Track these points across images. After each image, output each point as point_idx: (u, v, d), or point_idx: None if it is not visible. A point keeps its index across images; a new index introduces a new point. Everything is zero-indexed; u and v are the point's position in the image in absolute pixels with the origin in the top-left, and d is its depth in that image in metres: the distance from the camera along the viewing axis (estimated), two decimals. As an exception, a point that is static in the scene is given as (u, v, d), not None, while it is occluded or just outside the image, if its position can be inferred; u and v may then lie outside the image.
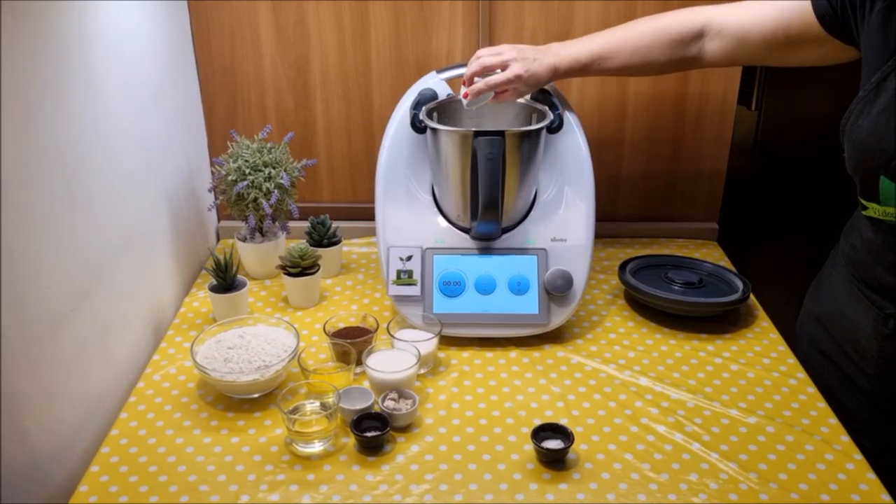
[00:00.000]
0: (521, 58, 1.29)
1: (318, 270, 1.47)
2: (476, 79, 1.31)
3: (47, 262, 1.03)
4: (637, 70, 1.32)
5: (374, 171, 1.43)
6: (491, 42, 1.60)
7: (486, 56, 1.31)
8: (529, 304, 1.35)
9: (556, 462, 1.09)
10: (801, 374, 1.29)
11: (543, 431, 1.11)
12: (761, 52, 1.23)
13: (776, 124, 1.79)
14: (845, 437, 1.14)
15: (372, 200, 1.43)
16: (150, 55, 1.39)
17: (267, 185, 1.47)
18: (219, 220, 1.77)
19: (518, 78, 1.28)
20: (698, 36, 1.26)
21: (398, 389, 1.19)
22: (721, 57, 1.26)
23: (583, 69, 1.31)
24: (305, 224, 1.57)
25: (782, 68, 1.73)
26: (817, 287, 1.35)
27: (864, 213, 1.14)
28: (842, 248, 1.27)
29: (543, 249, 1.37)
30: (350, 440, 1.13)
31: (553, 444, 1.10)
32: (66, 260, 1.08)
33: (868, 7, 1.07)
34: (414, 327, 1.34)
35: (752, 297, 1.49)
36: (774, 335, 1.39)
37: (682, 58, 1.28)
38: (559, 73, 1.31)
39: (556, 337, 1.38)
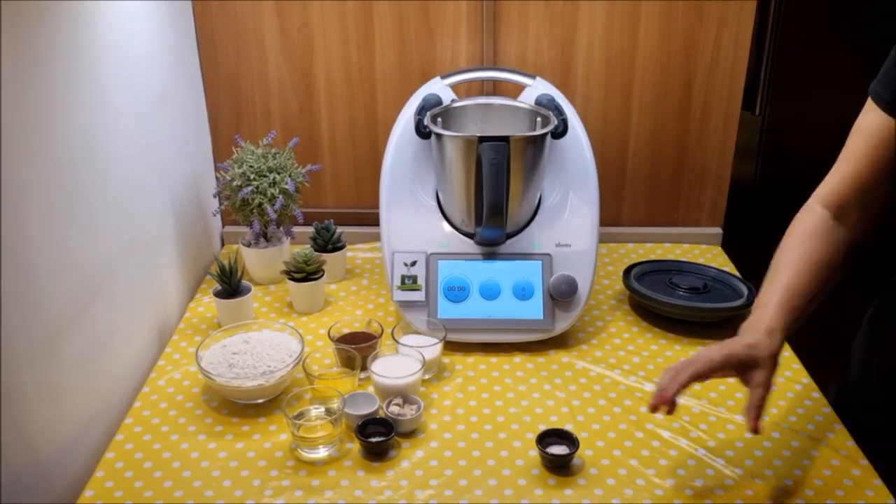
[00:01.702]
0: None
1: (322, 276, 1.47)
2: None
3: (52, 266, 1.03)
4: (820, 284, 1.07)
5: (379, 176, 1.43)
6: (495, 44, 1.60)
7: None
8: (534, 309, 1.35)
9: (561, 468, 1.09)
10: (807, 380, 1.28)
11: (548, 437, 1.11)
12: (888, 185, 1.05)
13: (781, 129, 1.79)
14: (850, 443, 1.14)
15: (376, 205, 1.43)
16: (155, 58, 1.39)
17: (271, 190, 1.47)
18: (223, 226, 1.77)
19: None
20: (833, 217, 1.09)
21: (403, 395, 1.19)
22: (861, 215, 1.08)
23: (788, 311, 1.05)
24: (310, 229, 1.58)
25: (787, 73, 1.74)
26: (875, 330, 1.22)
27: None
28: None
29: (548, 255, 1.37)
30: (355, 445, 1.13)
31: (558, 449, 1.09)
32: (71, 264, 1.08)
33: None
34: (418, 332, 1.34)
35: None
36: (779, 340, 1.39)
37: (839, 246, 1.09)
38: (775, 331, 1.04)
39: (560, 342, 1.38)
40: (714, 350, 1.01)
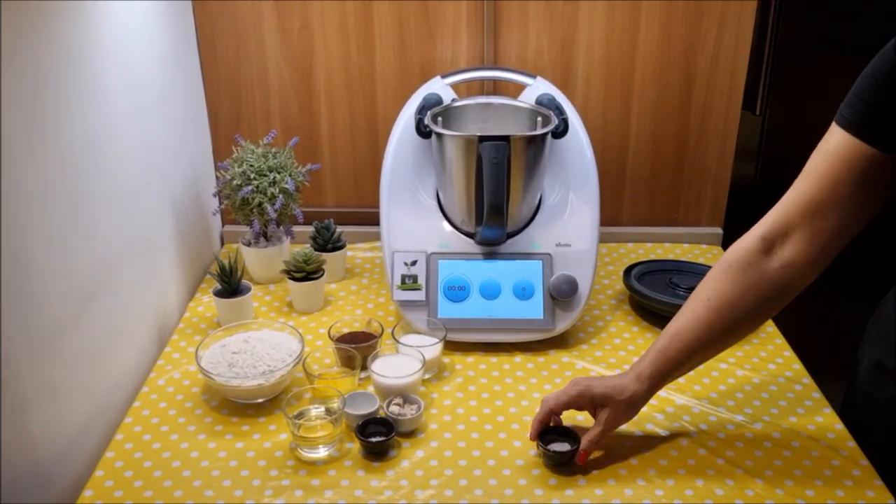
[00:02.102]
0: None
1: (322, 275, 1.47)
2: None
3: (52, 266, 1.03)
4: (724, 327, 1.06)
5: (379, 175, 1.43)
6: (495, 44, 1.60)
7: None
8: (534, 309, 1.35)
9: (561, 465, 1.09)
10: (807, 380, 1.28)
11: (549, 434, 1.11)
12: (843, 212, 0.98)
13: (781, 129, 1.79)
14: (851, 443, 1.14)
15: (376, 205, 1.43)
16: (155, 58, 1.39)
17: (272, 189, 1.47)
18: (223, 225, 1.77)
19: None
20: (763, 251, 1.03)
21: (403, 394, 1.19)
22: (810, 248, 1.00)
23: (666, 360, 1.09)
24: (310, 229, 1.58)
25: (787, 73, 1.73)
26: (881, 332, 1.19)
27: None
28: None
29: (548, 254, 1.37)
30: (355, 445, 1.13)
31: (559, 447, 1.09)
32: (71, 264, 1.08)
33: None
34: (419, 332, 1.33)
35: (757, 302, 1.48)
36: (780, 340, 1.39)
37: (760, 284, 1.03)
38: (643, 377, 1.09)
39: (560, 342, 1.38)
40: (570, 388, 1.11)
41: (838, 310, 1.78)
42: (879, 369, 1.17)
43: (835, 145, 0.98)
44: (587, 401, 1.10)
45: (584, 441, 1.08)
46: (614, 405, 1.08)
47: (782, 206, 1.03)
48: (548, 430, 1.12)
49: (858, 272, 1.67)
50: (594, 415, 1.11)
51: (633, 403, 1.09)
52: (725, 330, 1.06)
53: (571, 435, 1.10)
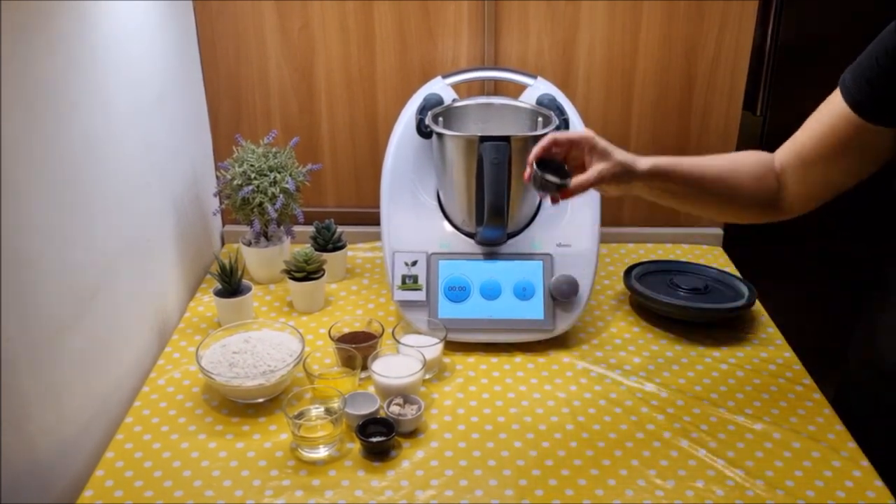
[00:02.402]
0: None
1: (323, 275, 1.47)
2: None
3: (52, 266, 1.03)
4: (726, 185, 1.13)
5: (380, 175, 1.43)
6: (496, 44, 1.60)
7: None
8: (535, 309, 1.34)
9: (546, 192, 1.10)
10: (808, 381, 1.28)
11: (549, 167, 1.11)
12: (829, 168, 1.07)
13: (782, 129, 1.78)
14: (852, 444, 1.14)
15: (377, 205, 1.43)
16: (155, 58, 1.39)
17: (272, 189, 1.47)
18: (223, 225, 1.77)
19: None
20: (775, 166, 1.13)
21: (403, 395, 1.18)
22: (799, 188, 1.10)
23: (671, 162, 1.13)
24: (310, 229, 1.57)
25: (788, 74, 1.73)
26: (871, 338, 1.20)
27: None
28: None
29: (549, 255, 1.37)
30: (355, 445, 1.13)
31: (552, 177, 1.10)
32: (71, 264, 1.08)
33: None
34: (419, 332, 1.33)
35: (757, 302, 1.48)
36: (780, 341, 1.39)
37: (765, 182, 1.12)
38: (642, 158, 1.12)
39: (561, 342, 1.38)
40: (579, 130, 1.16)
41: (839, 311, 1.78)
42: (869, 369, 1.18)
43: (830, 108, 1.05)
44: (589, 144, 1.10)
45: (574, 181, 1.09)
46: (612, 162, 1.09)
47: (787, 145, 1.13)
48: (548, 163, 1.11)
49: (860, 273, 1.67)
50: (589, 165, 1.12)
51: (628, 170, 1.10)
52: (724, 189, 1.13)
53: (567, 174, 1.11)
